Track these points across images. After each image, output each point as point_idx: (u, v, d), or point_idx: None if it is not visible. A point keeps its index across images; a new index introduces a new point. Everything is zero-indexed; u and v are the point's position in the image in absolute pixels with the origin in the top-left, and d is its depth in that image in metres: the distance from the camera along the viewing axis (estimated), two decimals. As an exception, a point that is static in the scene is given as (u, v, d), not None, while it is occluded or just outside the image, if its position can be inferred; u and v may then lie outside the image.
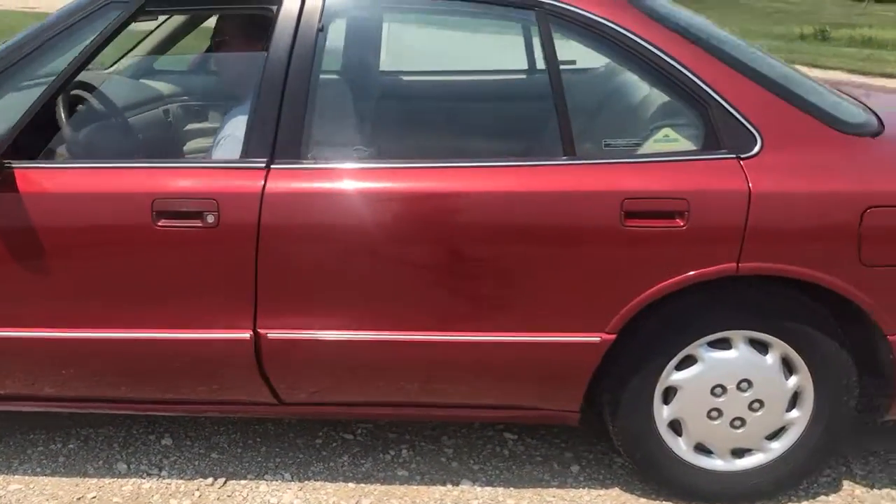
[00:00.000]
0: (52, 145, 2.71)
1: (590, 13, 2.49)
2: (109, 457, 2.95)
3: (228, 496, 2.76)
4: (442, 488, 2.81)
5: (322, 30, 2.50)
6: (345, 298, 2.50)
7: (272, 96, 2.48)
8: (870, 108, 2.82)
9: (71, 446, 3.01)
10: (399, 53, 3.15)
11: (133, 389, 2.70)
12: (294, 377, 2.63)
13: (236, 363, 2.56)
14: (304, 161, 2.48)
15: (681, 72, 2.46)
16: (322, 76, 2.58)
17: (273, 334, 2.52)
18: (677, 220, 2.39)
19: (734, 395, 2.57)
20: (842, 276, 2.42)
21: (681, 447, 2.67)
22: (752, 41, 2.89)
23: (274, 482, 2.83)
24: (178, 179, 2.50)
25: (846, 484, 2.84)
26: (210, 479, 2.84)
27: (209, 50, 3.22)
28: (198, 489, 2.79)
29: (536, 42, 2.49)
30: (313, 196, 2.45)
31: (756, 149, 2.43)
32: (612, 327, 2.48)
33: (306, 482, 2.83)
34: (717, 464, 2.68)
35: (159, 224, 2.44)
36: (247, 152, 2.49)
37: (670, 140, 2.51)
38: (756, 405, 2.58)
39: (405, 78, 3.51)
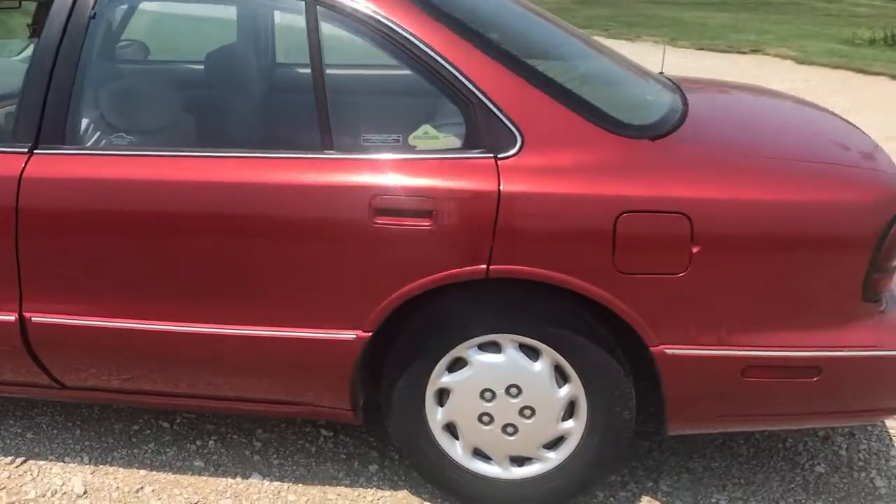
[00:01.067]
0: None
1: (357, 4, 2.44)
2: (-75, 435, 3.03)
3: (19, 476, 2.81)
4: (230, 480, 2.80)
5: (94, 17, 2.52)
6: (106, 286, 2.51)
7: (39, 81, 2.50)
8: (685, 110, 2.70)
9: None
10: (173, 42, 3.13)
11: None
12: (66, 362, 2.64)
13: (5, 345, 2.59)
14: (67, 147, 2.50)
15: (445, 67, 2.39)
16: (94, 62, 2.59)
17: (38, 318, 2.54)
18: (424, 219, 2.33)
19: (504, 400, 2.49)
20: (597, 282, 2.33)
21: (458, 451, 2.60)
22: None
23: (70, 465, 2.86)
24: (-58, 162, 2.54)
25: (645, 499, 2.74)
26: (10, 458, 2.88)
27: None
28: (-6, 467, 2.85)
29: (304, 32, 2.44)
30: (72, 182, 2.47)
31: (515, 149, 2.35)
32: (369, 325, 2.43)
33: (101, 467, 2.85)
34: (495, 471, 2.60)
35: (-74, 206, 2.49)
36: (13, 137, 2.52)
37: (430, 137, 2.45)
38: (527, 412, 2.50)
39: (175, 66, 3.50)
